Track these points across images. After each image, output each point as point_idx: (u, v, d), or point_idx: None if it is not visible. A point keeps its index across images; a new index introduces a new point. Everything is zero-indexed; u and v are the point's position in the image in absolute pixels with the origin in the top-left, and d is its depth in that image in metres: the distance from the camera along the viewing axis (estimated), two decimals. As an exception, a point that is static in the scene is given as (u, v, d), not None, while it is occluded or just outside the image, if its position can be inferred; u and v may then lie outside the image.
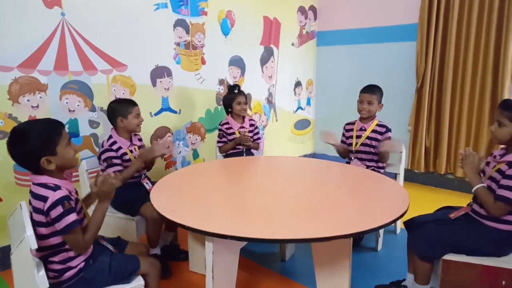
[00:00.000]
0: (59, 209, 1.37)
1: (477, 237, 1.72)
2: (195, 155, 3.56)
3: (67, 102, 2.59)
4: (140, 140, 2.47)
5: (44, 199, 1.38)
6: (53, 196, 1.38)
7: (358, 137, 2.70)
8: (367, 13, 4.26)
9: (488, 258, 1.71)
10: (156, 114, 3.16)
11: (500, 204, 1.64)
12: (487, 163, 1.85)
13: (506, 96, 3.38)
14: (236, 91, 2.97)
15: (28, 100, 2.41)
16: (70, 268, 1.47)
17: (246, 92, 3.08)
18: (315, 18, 4.72)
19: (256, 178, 2.38)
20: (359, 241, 2.68)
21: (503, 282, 1.68)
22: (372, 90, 2.63)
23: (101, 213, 1.55)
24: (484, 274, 1.70)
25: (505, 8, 3.30)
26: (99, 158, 2.29)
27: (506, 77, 3.36)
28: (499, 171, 1.70)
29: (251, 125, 3.09)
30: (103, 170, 2.28)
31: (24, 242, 1.28)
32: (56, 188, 1.41)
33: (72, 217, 1.39)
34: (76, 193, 1.56)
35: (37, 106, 2.45)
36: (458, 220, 1.83)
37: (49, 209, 1.37)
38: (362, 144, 2.67)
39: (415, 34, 3.82)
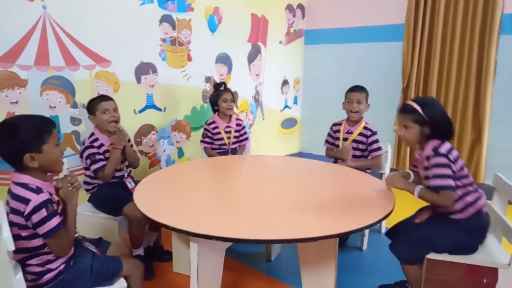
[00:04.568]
0: (42, 213, 1.34)
1: (449, 232, 1.74)
2: (180, 153, 3.51)
3: (48, 98, 2.52)
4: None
5: (25, 201, 1.34)
6: (36, 199, 1.34)
7: (345, 139, 2.70)
8: (355, 13, 4.27)
9: (471, 256, 1.73)
10: (140, 111, 3.10)
11: (442, 193, 1.68)
12: (415, 166, 1.93)
13: (489, 98, 3.44)
14: (222, 88, 2.93)
15: (6, 96, 2.33)
16: (50, 270, 1.43)
17: (232, 90, 3.04)
18: (303, 17, 4.71)
19: (242, 178, 2.36)
20: (344, 241, 2.69)
21: (484, 281, 1.71)
22: (360, 89, 2.66)
23: (73, 213, 1.52)
24: (466, 272, 1.72)
25: (489, 10, 3.35)
26: (81, 156, 2.23)
27: (489, 80, 3.41)
28: (426, 168, 1.77)
29: (237, 124, 3.04)
30: (86, 168, 2.23)
31: (1, 244, 1.23)
32: (38, 190, 1.37)
33: (56, 220, 1.37)
34: (57, 194, 1.52)
35: (16, 102, 2.37)
36: (431, 219, 1.84)
37: (31, 213, 1.33)
38: None
39: (401, 34, 3.86)
